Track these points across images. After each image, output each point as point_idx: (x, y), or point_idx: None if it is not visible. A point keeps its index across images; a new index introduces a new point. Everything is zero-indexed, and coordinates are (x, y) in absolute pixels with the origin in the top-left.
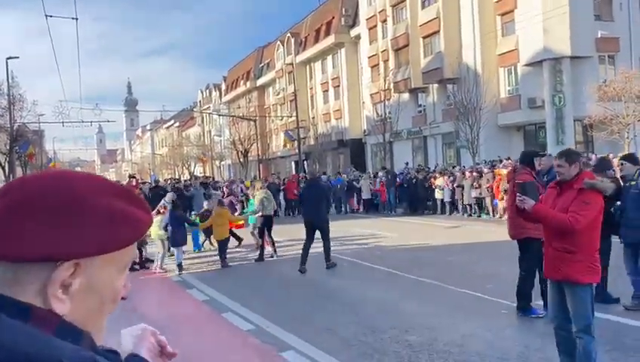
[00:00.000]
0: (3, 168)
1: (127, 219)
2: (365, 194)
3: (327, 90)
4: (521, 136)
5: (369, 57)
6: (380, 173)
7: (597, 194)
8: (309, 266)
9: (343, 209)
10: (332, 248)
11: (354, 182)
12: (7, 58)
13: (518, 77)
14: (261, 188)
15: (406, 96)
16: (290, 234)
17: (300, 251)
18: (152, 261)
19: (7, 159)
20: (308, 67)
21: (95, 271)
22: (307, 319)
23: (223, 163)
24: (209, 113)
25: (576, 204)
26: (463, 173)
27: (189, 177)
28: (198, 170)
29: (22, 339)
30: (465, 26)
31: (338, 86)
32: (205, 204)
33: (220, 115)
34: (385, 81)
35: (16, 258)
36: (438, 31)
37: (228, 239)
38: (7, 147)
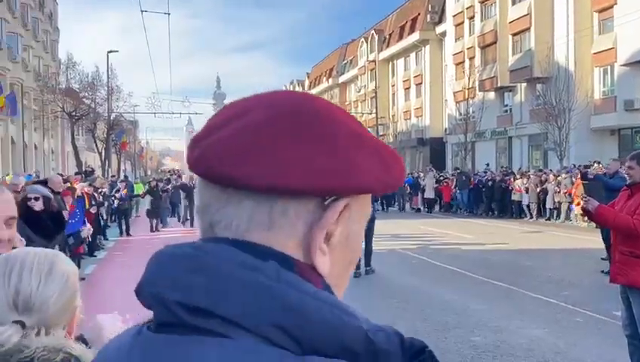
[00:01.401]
0: (100, 154)
1: (396, 157)
2: (428, 193)
3: (408, 88)
4: (615, 140)
5: (454, 55)
6: (449, 174)
7: None
8: (376, 263)
9: (404, 207)
10: (404, 245)
11: (418, 180)
12: (108, 52)
13: (614, 77)
14: None
15: (491, 95)
16: None
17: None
18: None
19: (105, 146)
20: (390, 64)
21: (354, 217)
22: (371, 313)
23: None
24: None
25: None
26: (539, 177)
27: None
28: None
29: (310, 301)
30: (558, 23)
31: (420, 83)
32: None
33: None
34: (470, 79)
35: (279, 187)
36: (529, 28)
37: None
38: (105, 135)
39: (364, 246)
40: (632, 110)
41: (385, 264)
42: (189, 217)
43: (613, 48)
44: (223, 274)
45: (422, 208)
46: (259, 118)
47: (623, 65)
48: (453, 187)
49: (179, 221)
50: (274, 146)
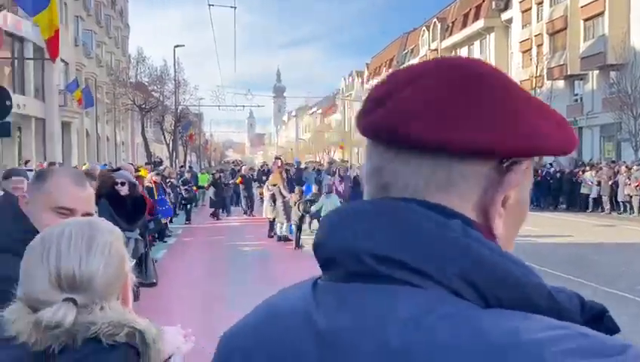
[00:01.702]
0: (168, 146)
1: (565, 120)
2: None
3: None
4: None
5: (520, 42)
6: None
7: None
8: None
9: None
10: None
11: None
12: (175, 46)
13: None
14: None
15: (560, 83)
16: None
17: None
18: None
19: (172, 138)
20: (453, 53)
21: (526, 183)
22: None
23: (361, 149)
24: (350, 100)
25: None
26: (613, 168)
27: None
28: (338, 156)
29: (497, 258)
30: (635, 6)
31: None
32: (313, 188)
33: (360, 102)
34: (537, 67)
35: (467, 148)
36: (603, 12)
37: None
38: (172, 127)
39: None
40: None
41: None
42: (247, 208)
43: None
44: (414, 227)
45: None
46: (437, 81)
47: None
48: None
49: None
50: (460, 108)
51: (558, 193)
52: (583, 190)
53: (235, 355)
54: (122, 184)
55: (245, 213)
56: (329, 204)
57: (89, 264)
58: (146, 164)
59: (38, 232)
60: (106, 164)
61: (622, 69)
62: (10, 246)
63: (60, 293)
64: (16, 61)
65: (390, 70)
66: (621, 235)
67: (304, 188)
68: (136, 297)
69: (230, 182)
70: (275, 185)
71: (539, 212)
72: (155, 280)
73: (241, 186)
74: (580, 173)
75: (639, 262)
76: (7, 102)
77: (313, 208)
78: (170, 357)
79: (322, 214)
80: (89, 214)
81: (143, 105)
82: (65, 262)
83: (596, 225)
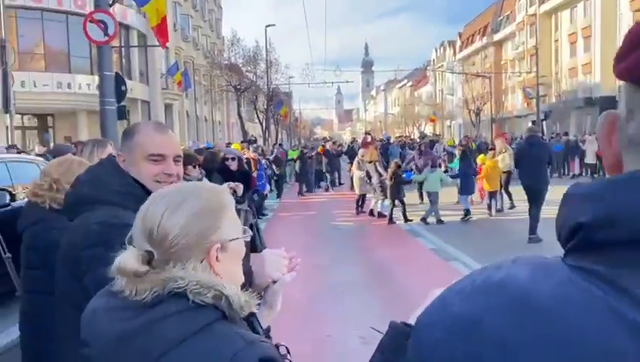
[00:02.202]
0: (261, 124)
1: None
2: (589, 158)
3: (575, 42)
4: None
5: (631, 1)
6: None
7: None
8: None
9: (562, 172)
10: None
11: (579, 144)
12: (267, 26)
13: None
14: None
15: None
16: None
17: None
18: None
19: (265, 117)
20: (553, 17)
21: None
22: None
23: (453, 122)
24: (442, 71)
25: None
26: None
27: (418, 136)
28: (428, 130)
29: None
30: None
31: (589, 36)
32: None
33: (453, 73)
34: None
35: None
36: None
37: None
38: (265, 106)
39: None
40: None
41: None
42: (330, 184)
43: None
44: None
45: (582, 173)
46: None
47: None
48: None
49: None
50: None
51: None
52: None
53: (489, 347)
54: (232, 159)
55: (327, 189)
56: (432, 178)
57: (168, 221)
58: (242, 142)
59: (139, 184)
60: (209, 142)
61: None
62: (118, 201)
63: (145, 246)
64: (122, 48)
65: (485, 38)
66: None
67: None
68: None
69: (312, 154)
70: (371, 163)
71: None
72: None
73: (325, 161)
74: None
75: None
76: (123, 88)
77: (414, 177)
78: (274, 282)
79: (425, 188)
80: (179, 157)
81: (238, 86)
82: (151, 215)
83: None
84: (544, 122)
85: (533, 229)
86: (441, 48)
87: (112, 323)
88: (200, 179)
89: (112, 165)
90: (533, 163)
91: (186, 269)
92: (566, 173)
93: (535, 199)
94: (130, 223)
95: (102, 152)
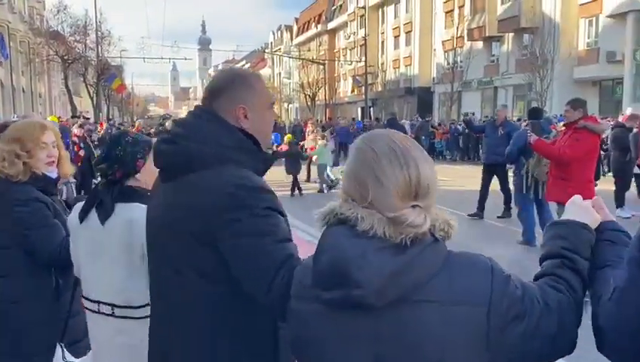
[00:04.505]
0: (92, 99)
1: None
2: None
3: (398, 36)
4: (596, 92)
5: (444, 2)
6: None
7: (589, 134)
8: None
9: None
10: None
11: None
12: None
13: (599, 29)
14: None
15: (479, 44)
16: None
17: None
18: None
19: (95, 91)
20: (381, 11)
21: None
22: None
23: (290, 105)
24: (279, 55)
25: (569, 140)
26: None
27: None
28: None
29: None
30: None
31: (410, 32)
32: None
33: (290, 58)
34: (458, 28)
35: None
36: None
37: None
38: (95, 80)
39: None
40: (614, 62)
41: None
42: None
43: (599, 0)
44: None
45: None
46: None
47: (608, 16)
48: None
49: None
50: None
51: (466, 148)
52: None
53: None
54: None
55: None
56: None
57: (427, 170)
58: (72, 117)
59: (252, 137)
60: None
61: (535, 32)
62: (230, 156)
63: (408, 199)
64: None
65: (320, 26)
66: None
67: None
68: None
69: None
70: None
71: (448, 164)
72: None
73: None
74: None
75: None
76: None
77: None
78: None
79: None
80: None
81: (66, 57)
82: (419, 170)
83: None
84: (372, 109)
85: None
86: (279, 32)
87: (384, 261)
88: None
89: (214, 116)
90: None
91: (434, 210)
92: None
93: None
94: (262, 185)
95: None
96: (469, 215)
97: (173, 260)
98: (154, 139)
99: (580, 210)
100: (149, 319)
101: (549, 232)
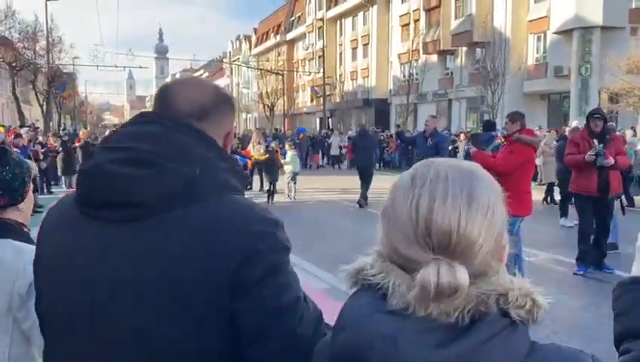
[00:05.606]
0: (42, 107)
1: None
2: (334, 151)
3: (355, 48)
4: (545, 105)
5: (400, 16)
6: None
7: (524, 146)
8: (324, 209)
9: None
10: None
11: (326, 139)
12: (47, 0)
13: (546, 44)
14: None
15: (434, 58)
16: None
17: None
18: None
19: (45, 99)
20: (338, 23)
21: None
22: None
23: (249, 115)
24: (238, 65)
25: (504, 152)
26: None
27: None
28: None
29: None
30: None
31: (367, 44)
32: None
33: (248, 68)
34: (414, 41)
35: None
36: None
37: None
38: (44, 87)
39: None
40: (561, 76)
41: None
42: None
43: (546, 17)
44: None
45: (327, 165)
46: None
47: (555, 32)
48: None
49: None
50: None
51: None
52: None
53: None
54: None
55: None
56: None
57: (469, 224)
58: (21, 126)
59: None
60: None
61: (486, 47)
62: (227, 181)
63: (426, 252)
64: None
65: (278, 36)
66: None
67: None
68: None
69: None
70: None
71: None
72: None
73: None
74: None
75: None
76: None
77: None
78: None
79: None
80: None
81: (14, 64)
82: (439, 217)
83: None
84: (330, 119)
85: (365, 199)
86: (237, 41)
87: (421, 352)
88: None
89: (199, 133)
90: (365, 150)
91: (498, 276)
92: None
93: (367, 177)
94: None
95: None
96: None
97: (121, 332)
98: (33, 164)
99: None
100: None
101: (628, 294)
